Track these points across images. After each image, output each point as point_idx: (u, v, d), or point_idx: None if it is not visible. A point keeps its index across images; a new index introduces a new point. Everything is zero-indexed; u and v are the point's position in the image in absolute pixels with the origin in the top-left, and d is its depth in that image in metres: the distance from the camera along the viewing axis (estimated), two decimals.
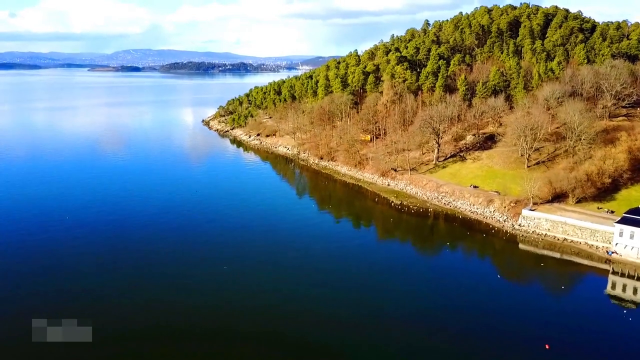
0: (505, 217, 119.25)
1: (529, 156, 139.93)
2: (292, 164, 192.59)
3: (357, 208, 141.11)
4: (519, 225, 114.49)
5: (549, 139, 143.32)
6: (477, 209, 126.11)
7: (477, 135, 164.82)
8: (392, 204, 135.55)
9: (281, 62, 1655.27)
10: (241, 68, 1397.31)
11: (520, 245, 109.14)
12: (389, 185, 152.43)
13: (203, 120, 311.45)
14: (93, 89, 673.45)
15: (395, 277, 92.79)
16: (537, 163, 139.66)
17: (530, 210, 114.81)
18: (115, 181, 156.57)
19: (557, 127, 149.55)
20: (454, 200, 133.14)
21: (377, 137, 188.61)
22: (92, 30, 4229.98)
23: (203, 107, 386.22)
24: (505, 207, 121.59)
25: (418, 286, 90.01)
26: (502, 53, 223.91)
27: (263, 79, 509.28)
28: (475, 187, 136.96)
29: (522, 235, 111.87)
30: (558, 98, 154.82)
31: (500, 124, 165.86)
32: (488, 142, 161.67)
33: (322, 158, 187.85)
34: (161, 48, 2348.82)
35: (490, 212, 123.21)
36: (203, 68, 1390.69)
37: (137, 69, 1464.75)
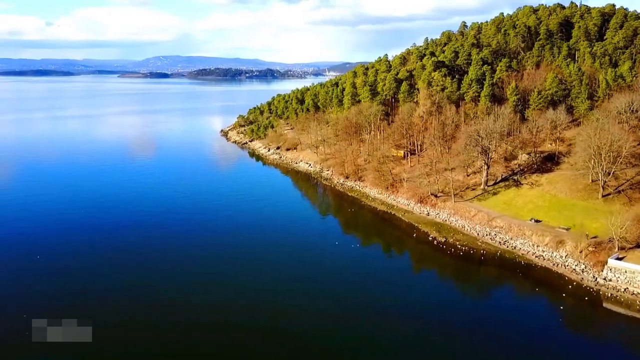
0: (583, 266, 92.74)
1: (604, 183, 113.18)
2: (314, 183, 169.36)
3: (389, 243, 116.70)
4: (604, 279, 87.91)
5: (630, 161, 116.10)
6: (544, 252, 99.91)
7: (533, 155, 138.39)
8: (435, 242, 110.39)
9: (308, 68, 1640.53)
10: (268, 74, 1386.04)
11: (605, 305, 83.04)
12: (428, 214, 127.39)
13: (222, 131, 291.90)
14: (117, 96, 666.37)
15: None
16: (618, 191, 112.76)
17: (619, 259, 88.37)
18: (118, 185, 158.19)
19: (635, 146, 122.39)
20: (511, 239, 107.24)
21: (411, 153, 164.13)
22: (125, 37, 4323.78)
23: (226, 115, 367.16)
24: (581, 252, 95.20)
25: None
26: (553, 57, 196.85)
27: (290, 85, 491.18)
28: (537, 221, 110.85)
29: (610, 293, 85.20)
30: (636, 110, 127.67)
31: (562, 141, 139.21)
32: (547, 163, 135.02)
33: (347, 177, 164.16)
34: (191, 55, 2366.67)
35: (562, 257, 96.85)
36: (230, 74, 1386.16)
37: (165, 76, 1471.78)
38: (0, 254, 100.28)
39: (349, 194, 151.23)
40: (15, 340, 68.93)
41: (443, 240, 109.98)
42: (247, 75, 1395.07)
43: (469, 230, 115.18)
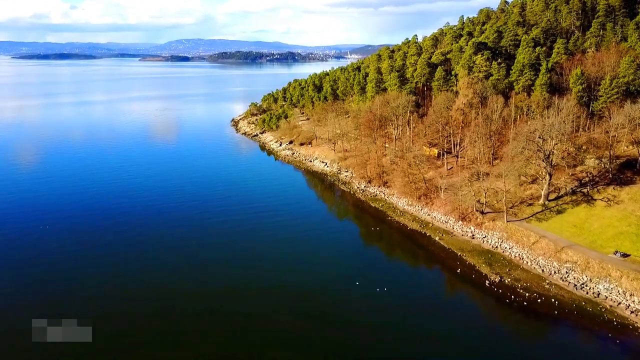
0: None
1: None
2: (329, 187, 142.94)
3: (426, 283, 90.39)
4: None
5: None
6: None
7: (605, 160, 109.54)
8: (487, 282, 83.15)
9: (330, 51, 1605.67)
10: (289, 57, 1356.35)
11: None
12: (473, 237, 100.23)
13: (233, 120, 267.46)
14: (134, 80, 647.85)
15: None
16: None
17: None
18: (118, 184, 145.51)
19: None
20: (591, 281, 79.77)
21: (447, 152, 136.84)
22: (148, 21, 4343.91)
23: (242, 101, 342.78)
24: None
25: None
26: (617, 36, 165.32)
27: (311, 69, 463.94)
28: (624, 255, 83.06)
29: None
30: None
31: None
32: (626, 171, 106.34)
33: (370, 181, 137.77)
34: (212, 38, 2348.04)
35: None
36: (251, 58, 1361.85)
37: (186, 59, 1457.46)
38: (0, 253, 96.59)
39: (372, 204, 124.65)
40: (15, 340, 68.09)
41: (497, 281, 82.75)
42: (267, 58, 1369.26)
43: (529, 263, 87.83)
